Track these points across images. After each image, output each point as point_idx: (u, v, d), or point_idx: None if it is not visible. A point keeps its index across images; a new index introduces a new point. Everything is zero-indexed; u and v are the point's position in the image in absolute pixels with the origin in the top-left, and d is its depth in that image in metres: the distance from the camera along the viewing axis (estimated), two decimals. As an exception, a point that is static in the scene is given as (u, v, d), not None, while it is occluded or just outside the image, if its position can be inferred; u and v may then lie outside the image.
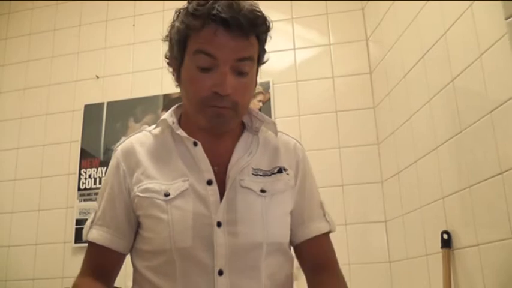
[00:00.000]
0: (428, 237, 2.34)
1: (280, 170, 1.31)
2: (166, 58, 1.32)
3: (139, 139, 1.33)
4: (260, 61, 1.28)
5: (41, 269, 3.27)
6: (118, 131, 3.36)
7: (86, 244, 1.31)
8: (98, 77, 3.57)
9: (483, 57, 1.85)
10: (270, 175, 1.29)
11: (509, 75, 1.66)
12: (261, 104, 3.22)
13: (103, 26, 3.72)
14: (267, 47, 1.28)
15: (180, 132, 1.27)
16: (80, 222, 3.20)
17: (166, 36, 1.28)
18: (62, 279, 3.17)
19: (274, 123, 1.36)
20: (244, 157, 1.28)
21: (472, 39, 1.91)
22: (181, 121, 1.33)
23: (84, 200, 3.27)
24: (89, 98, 3.53)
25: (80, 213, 3.25)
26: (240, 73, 1.20)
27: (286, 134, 1.43)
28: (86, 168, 3.34)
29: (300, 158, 1.38)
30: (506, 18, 1.22)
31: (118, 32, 3.66)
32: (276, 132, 1.37)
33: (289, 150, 1.37)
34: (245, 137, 1.33)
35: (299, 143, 1.43)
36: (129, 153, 1.29)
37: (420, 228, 2.45)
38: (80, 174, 3.35)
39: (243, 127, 1.36)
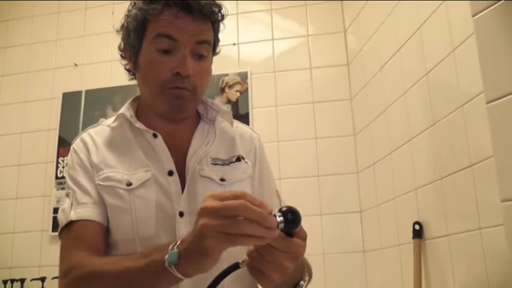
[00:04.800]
0: (401, 227, 2.38)
1: (239, 159, 1.32)
2: (120, 50, 1.33)
3: (97, 132, 1.32)
4: (214, 50, 1.31)
5: (18, 257, 3.26)
6: (96, 120, 3.32)
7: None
8: (76, 65, 3.55)
9: (456, 51, 1.88)
10: (229, 164, 1.30)
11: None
12: (238, 94, 3.22)
13: (82, 13, 3.69)
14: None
15: (139, 125, 1.27)
16: (57, 210, 3.12)
17: (121, 26, 1.30)
18: (39, 268, 3.17)
19: (229, 113, 1.38)
20: (202, 147, 1.29)
21: (445, 34, 1.94)
22: (138, 113, 1.33)
23: (62, 189, 3.26)
24: (67, 86, 3.51)
25: (57, 202, 3.24)
26: (199, 56, 1.23)
27: (241, 124, 1.45)
28: (63, 157, 3.33)
29: (257, 147, 1.40)
30: (473, 15, 1.25)
31: (97, 19, 3.63)
32: (231, 122, 1.38)
33: (245, 139, 1.39)
34: (202, 127, 1.35)
35: (255, 132, 1.45)
36: (88, 144, 1.28)
37: (393, 218, 2.49)
38: (57, 162, 3.35)
39: (198, 117, 1.37)
